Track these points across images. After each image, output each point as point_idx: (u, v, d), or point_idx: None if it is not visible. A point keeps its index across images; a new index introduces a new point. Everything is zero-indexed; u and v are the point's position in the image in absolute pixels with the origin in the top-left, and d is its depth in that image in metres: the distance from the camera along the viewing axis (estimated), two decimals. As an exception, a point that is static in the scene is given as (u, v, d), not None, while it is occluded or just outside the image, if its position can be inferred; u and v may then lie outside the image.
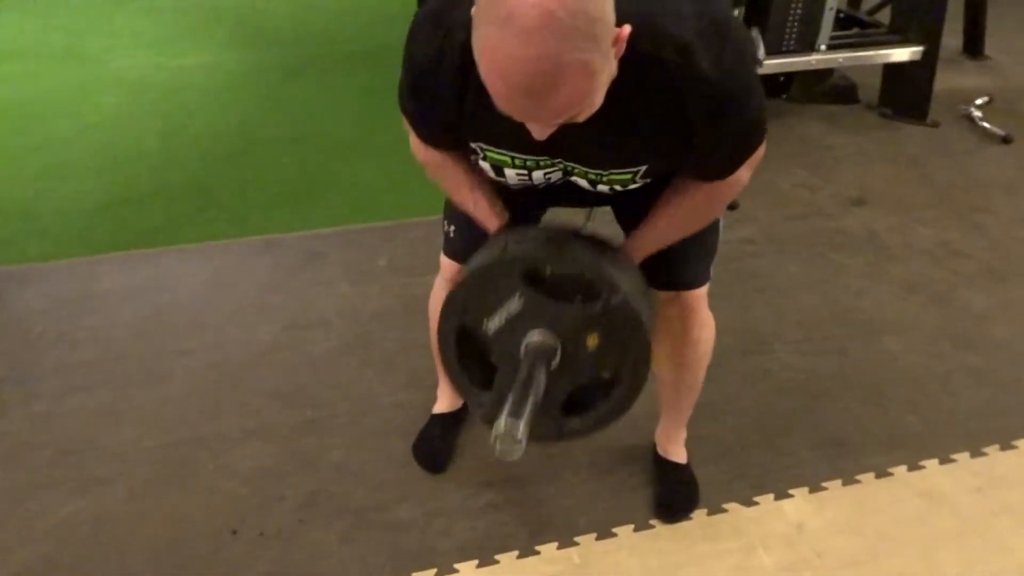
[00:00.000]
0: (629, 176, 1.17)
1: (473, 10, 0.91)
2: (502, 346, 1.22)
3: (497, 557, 1.56)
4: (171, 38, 4.15)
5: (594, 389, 1.25)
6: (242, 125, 3.24)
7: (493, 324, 1.21)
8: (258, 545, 1.58)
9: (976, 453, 1.80)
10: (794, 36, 3.15)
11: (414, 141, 1.28)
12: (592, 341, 1.19)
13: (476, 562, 1.55)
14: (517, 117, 0.95)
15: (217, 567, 1.54)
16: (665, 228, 1.26)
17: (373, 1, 4.80)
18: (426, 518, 1.64)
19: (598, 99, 0.95)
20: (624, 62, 0.96)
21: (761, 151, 1.18)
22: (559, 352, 1.19)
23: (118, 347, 2.06)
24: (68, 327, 2.12)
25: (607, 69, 0.92)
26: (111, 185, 2.78)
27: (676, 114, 1.04)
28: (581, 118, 0.96)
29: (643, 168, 1.15)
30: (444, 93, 1.09)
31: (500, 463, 1.70)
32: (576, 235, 1.26)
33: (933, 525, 1.63)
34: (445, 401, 1.82)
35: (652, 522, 1.63)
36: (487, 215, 1.30)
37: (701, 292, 1.43)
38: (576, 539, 1.59)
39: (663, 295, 1.40)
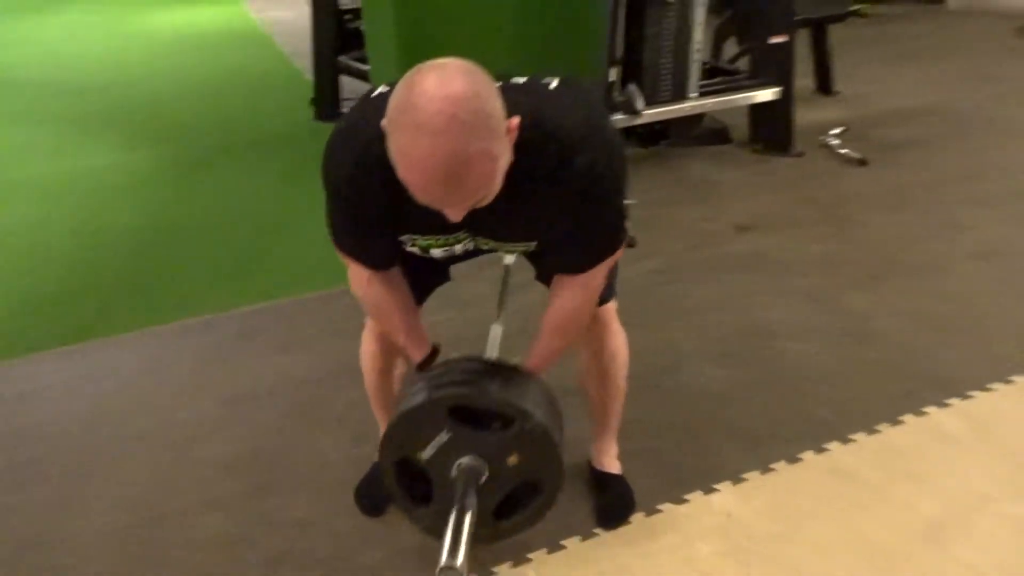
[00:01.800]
0: (524, 247, 1.38)
1: (383, 122, 1.08)
2: (437, 469, 1.43)
3: (461, 582, 1.66)
4: (70, 144, 4.18)
5: (520, 493, 1.47)
6: (158, 217, 3.30)
7: (427, 453, 1.43)
8: (233, 606, 1.64)
9: (871, 431, 2.02)
10: (668, 87, 3.48)
11: (357, 277, 1.45)
12: (513, 459, 1.42)
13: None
14: (435, 205, 1.11)
15: (194, 631, 1.59)
16: (549, 343, 1.47)
17: (257, 94, 4.95)
18: (389, 558, 1.73)
19: (499, 181, 1.13)
20: (517, 149, 1.14)
21: (618, 254, 1.39)
22: (486, 471, 1.41)
23: (66, 439, 2.09)
24: (10, 427, 2.14)
25: (504, 155, 1.11)
26: (31, 287, 2.80)
27: (553, 199, 1.24)
28: (487, 200, 1.14)
29: (534, 244, 1.36)
30: (371, 201, 1.26)
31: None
32: (487, 368, 1.47)
33: (844, 497, 1.83)
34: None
35: (596, 530, 1.77)
36: (414, 349, 1.50)
37: (611, 307, 1.64)
38: (529, 556, 1.71)
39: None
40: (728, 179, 3.48)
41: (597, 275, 1.40)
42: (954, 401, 2.11)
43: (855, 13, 5.95)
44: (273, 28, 6.54)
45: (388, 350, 1.68)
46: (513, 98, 1.12)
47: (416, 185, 1.08)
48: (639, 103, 3.38)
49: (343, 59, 4.18)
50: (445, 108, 1.01)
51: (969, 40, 5.59)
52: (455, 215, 1.14)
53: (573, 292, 1.41)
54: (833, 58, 4.53)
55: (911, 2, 6.79)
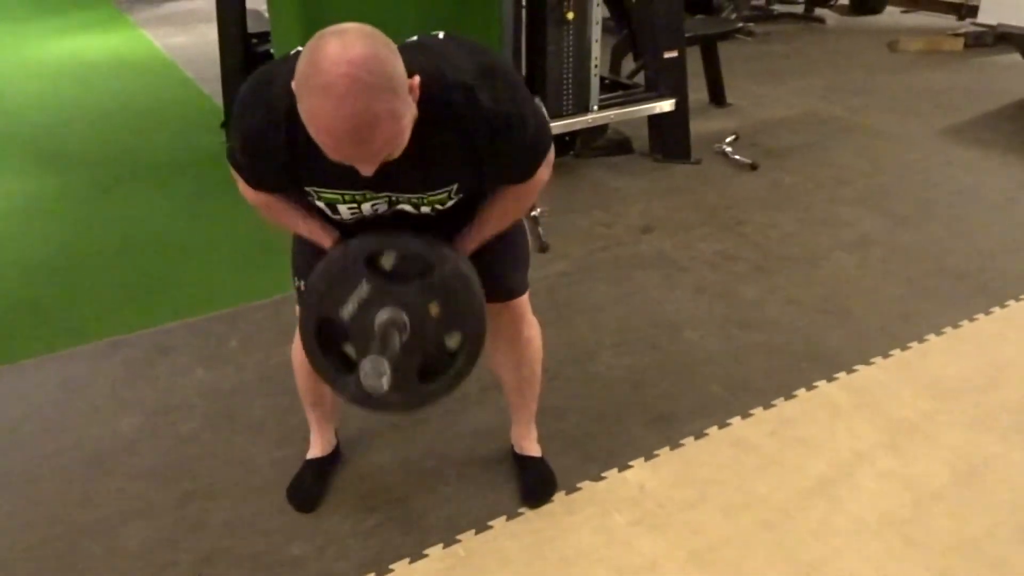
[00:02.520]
0: (445, 195, 1.41)
1: (293, 84, 1.14)
2: (358, 328, 1.40)
3: (391, 566, 1.72)
4: (-37, 174, 4.04)
5: (441, 359, 1.46)
6: (63, 244, 3.24)
7: (347, 311, 1.40)
8: (163, 606, 1.66)
9: (767, 406, 2.19)
10: (570, 101, 3.65)
11: (243, 187, 1.47)
12: (434, 309, 1.40)
13: (373, 574, 1.71)
14: (345, 161, 1.18)
15: (125, 634, 1.60)
16: (489, 220, 1.51)
17: (164, 117, 4.89)
18: (319, 549, 1.78)
19: (406, 137, 1.20)
20: (421, 105, 1.22)
21: (551, 154, 1.46)
22: (408, 324, 1.38)
23: (-25, 464, 2.05)
24: (-85, 455, 2.08)
25: (409, 112, 1.18)
26: (-70, 317, 2.72)
27: (465, 140, 1.31)
28: (396, 154, 1.21)
29: (454, 187, 1.40)
30: (274, 153, 1.30)
31: (379, 491, 1.91)
32: (404, 225, 1.46)
33: (744, 464, 1.99)
34: (318, 447, 1.98)
35: (521, 510, 1.87)
36: (321, 235, 1.50)
37: (524, 299, 1.74)
38: (458, 537, 1.79)
39: (495, 307, 1.68)
40: (630, 186, 3.67)
41: (542, 171, 1.44)
42: (841, 375, 2.31)
43: (743, 31, 6.34)
44: (176, 53, 6.46)
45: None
46: (410, 57, 1.19)
47: (327, 145, 1.14)
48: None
49: (251, 81, 4.19)
50: (348, 71, 1.08)
51: (846, 55, 6.01)
52: (366, 170, 1.20)
53: (517, 191, 1.46)
54: (724, 72, 4.81)
55: (796, 22, 7.25)
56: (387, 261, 1.41)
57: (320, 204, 1.42)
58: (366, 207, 1.42)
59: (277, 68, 1.30)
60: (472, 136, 1.31)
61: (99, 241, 3.26)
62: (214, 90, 4.73)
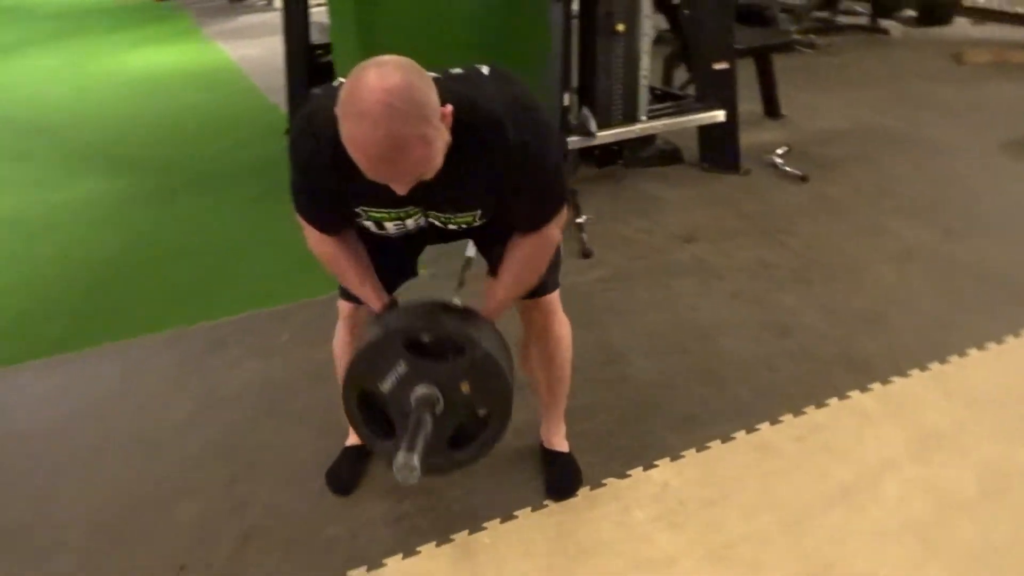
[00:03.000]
0: (470, 218, 1.54)
1: (336, 109, 1.26)
2: (396, 401, 1.56)
3: (418, 549, 1.81)
4: (46, 178, 4.30)
5: (473, 426, 1.61)
6: (131, 245, 3.43)
7: (386, 385, 1.55)
8: (207, 575, 1.78)
9: (798, 413, 2.21)
10: (619, 111, 3.71)
11: (312, 237, 1.61)
12: (465, 387, 1.55)
13: (400, 555, 1.80)
14: (381, 180, 1.30)
15: (170, 600, 1.72)
16: (507, 287, 1.63)
17: (231, 125, 5.12)
18: (352, 532, 1.88)
19: (438, 161, 1.32)
20: (454, 132, 1.33)
21: (564, 214, 1.56)
22: (441, 399, 1.54)
23: (42, 444, 2.21)
24: (-8, 431, 2.27)
25: (440, 138, 1.29)
26: (7, 311, 2.91)
27: (491, 170, 1.42)
28: (429, 175, 1.33)
29: (478, 212, 1.53)
30: (326, 177, 1.44)
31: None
32: (443, 307, 1.62)
33: (767, 467, 2.01)
34: (355, 435, 2.08)
35: (546, 502, 1.94)
36: (373, 298, 1.64)
37: (555, 296, 1.81)
38: (484, 525, 1.87)
39: (528, 303, 1.77)
40: (675, 195, 3.70)
41: (549, 231, 1.55)
42: (875, 385, 2.31)
43: (803, 43, 6.30)
44: (245, 64, 6.75)
45: (358, 338, 1.84)
46: (451, 86, 1.32)
47: (363, 164, 1.26)
48: (592, 126, 3.59)
49: (315, 91, 4.37)
50: (383, 98, 1.19)
51: (908, 67, 5.91)
52: (400, 189, 1.32)
53: (529, 246, 1.57)
54: (779, 84, 4.80)
55: (860, 33, 7.15)
56: (424, 341, 1.55)
57: (368, 223, 1.55)
58: (409, 222, 1.55)
59: (321, 102, 1.43)
60: (496, 167, 1.41)
61: (163, 241, 3.46)
62: (280, 100, 4.94)
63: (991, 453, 2.04)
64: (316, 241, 1.61)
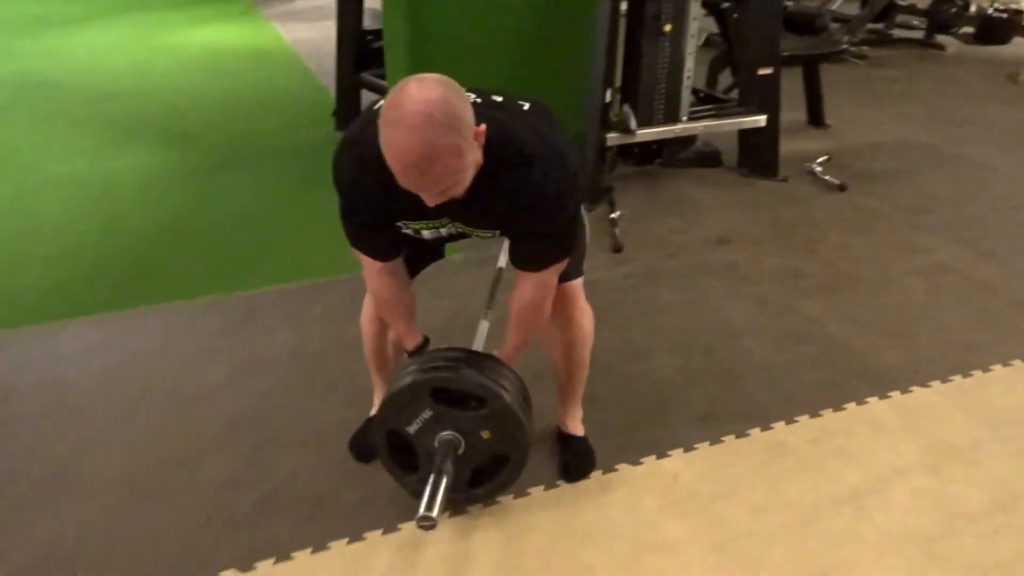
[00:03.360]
0: (489, 235, 1.66)
1: (379, 121, 1.35)
2: (421, 442, 1.73)
3: (432, 519, 1.88)
4: (99, 146, 4.46)
5: (491, 465, 1.78)
6: (178, 216, 3.56)
7: (413, 428, 1.73)
8: (229, 529, 1.86)
9: (814, 415, 2.24)
10: (660, 110, 3.74)
11: (368, 270, 1.73)
12: (486, 433, 1.71)
13: (415, 522, 1.85)
14: (413, 189, 1.38)
15: (195, 548, 1.81)
16: (516, 335, 1.77)
17: (281, 106, 5.25)
18: (371, 498, 1.95)
19: (467, 176, 1.40)
20: (485, 157, 1.42)
21: (563, 264, 1.66)
22: (462, 443, 1.71)
23: (85, 394, 2.33)
24: (36, 381, 2.38)
25: (471, 153, 1.38)
26: (59, 269, 3.05)
27: (511, 202, 1.51)
28: (458, 190, 1.41)
29: (497, 232, 1.63)
30: (371, 194, 1.53)
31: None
32: (468, 357, 1.74)
33: (779, 466, 2.05)
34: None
35: (559, 483, 1.99)
36: (409, 338, 1.82)
37: (578, 283, 1.87)
38: (497, 499, 1.93)
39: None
40: (711, 198, 3.72)
41: (549, 276, 1.66)
42: (894, 394, 2.32)
43: (853, 54, 6.25)
44: (300, 46, 6.89)
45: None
46: (488, 112, 1.43)
47: (396, 170, 1.35)
48: (633, 123, 3.63)
49: (364, 75, 4.48)
50: (421, 108, 1.28)
51: (960, 84, 5.83)
52: (430, 200, 1.41)
53: (530, 286, 1.68)
54: (827, 94, 4.78)
55: (914, 48, 7.06)
56: (448, 392, 1.70)
57: (408, 232, 1.66)
58: (443, 231, 1.67)
59: (362, 128, 1.52)
60: (517, 201, 1.50)
61: (207, 214, 3.58)
62: (332, 83, 5.05)
63: (1003, 470, 2.04)
64: (373, 275, 1.73)
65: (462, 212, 1.56)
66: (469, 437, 1.71)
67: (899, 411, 2.26)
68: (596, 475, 2.02)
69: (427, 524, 1.59)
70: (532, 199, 1.50)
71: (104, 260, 3.13)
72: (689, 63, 3.72)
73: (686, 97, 3.77)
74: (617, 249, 3.17)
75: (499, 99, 1.55)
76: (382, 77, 4.23)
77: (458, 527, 1.87)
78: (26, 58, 6.51)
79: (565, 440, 2.09)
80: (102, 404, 2.29)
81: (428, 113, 1.28)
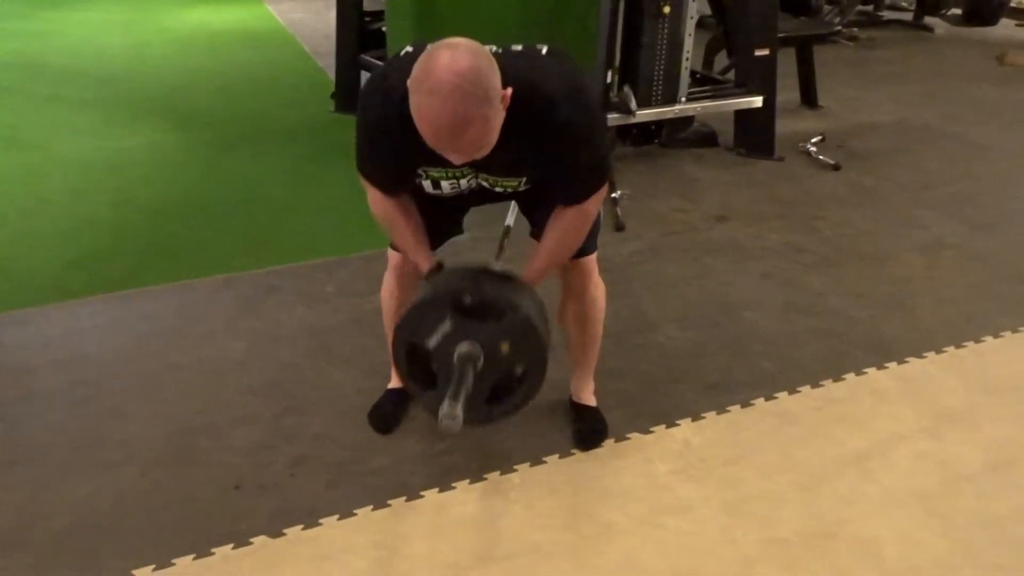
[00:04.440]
0: (516, 183, 1.70)
1: (408, 82, 1.39)
2: (440, 357, 1.70)
3: (453, 484, 1.96)
4: (107, 126, 4.49)
5: (510, 383, 1.74)
6: (188, 194, 3.61)
7: (432, 341, 1.69)
8: (259, 495, 1.93)
9: (816, 385, 2.32)
10: (659, 91, 3.80)
11: (373, 196, 1.75)
12: (505, 347, 1.68)
13: (437, 489, 1.94)
14: (441, 152, 1.44)
15: (226, 513, 1.88)
16: (547, 256, 1.76)
17: (280, 87, 5.27)
18: (394, 465, 2.02)
19: (494, 138, 1.45)
20: (511, 107, 1.46)
21: (604, 191, 1.70)
22: (481, 357, 1.67)
23: (111, 367, 2.39)
24: (62, 356, 2.43)
25: (498, 118, 1.43)
26: (74, 247, 3.09)
27: (540, 144, 1.57)
28: (484, 152, 1.46)
29: (523, 179, 1.68)
30: (394, 137, 1.56)
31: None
32: (487, 272, 1.74)
33: (785, 433, 2.14)
34: (398, 379, 2.23)
35: (573, 451, 2.07)
36: (423, 260, 1.78)
37: (592, 259, 1.94)
38: (515, 467, 2.01)
39: (567, 265, 1.90)
40: (711, 177, 3.80)
41: (591, 204, 1.69)
42: (891, 365, 2.42)
43: (845, 36, 6.32)
44: (295, 28, 6.89)
45: (404, 286, 1.98)
46: (510, 62, 1.46)
47: (427, 136, 1.40)
48: (633, 104, 3.69)
49: (364, 57, 4.51)
50: (452, 79, 1.33)
51: (950, 64, 5.93)
52: (456, 160, 1.46)
53: (569, 219, 1.70)
54: (819, 75, 4.86)
55: (903, 29, 7.14)
56: (468, 303, 1.68)
57: (426, 183, 1.70)
58: (463, 182, 1.70)
59: (391, 67, 1.57)
60: (544, 143, 1.55)
61: (217, 192, 3.62)
62: (328, 64, 5.08)
63: (1000, 433, 2.14)
64: (377, 200, 1.75)
65: (488, 163, 1.58)
66: (488, 350, 1.66)
67: (898, 380, 2.35)
68: (609, 443, 2.10)
69: (450, 422, 1.52)
70: (563, 138, 1.54)
71: (119, 238, 3.17)
72: (688, 44, 3.78)
73: (684, 78, 3.84)
74: (619, 228, 3.24)
75: (519, 48, 1.59)
76: (381, 59, 4.27)
77: (478, 492, 1.94)
78: (21, 38, 6.48)
79: (578, 410, 2.16)
80: (129, 377, 2.35)
81: (458, 84, 1.32)
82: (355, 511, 1.89)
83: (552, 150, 1.57)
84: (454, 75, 1.33)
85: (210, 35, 6.70)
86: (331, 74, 4.83)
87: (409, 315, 1.71)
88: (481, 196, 1.81)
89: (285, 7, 7.77)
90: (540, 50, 1.60)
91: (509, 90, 1.43)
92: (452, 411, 1.53)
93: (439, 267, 1.79)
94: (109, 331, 2.57)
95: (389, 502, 1.91)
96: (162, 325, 2.61)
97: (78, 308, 2.69)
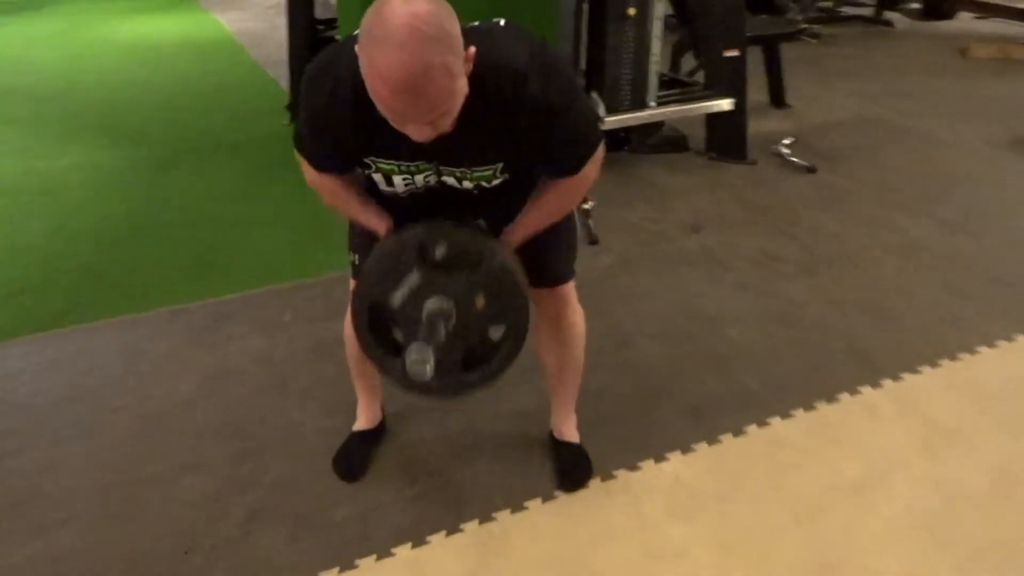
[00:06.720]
0: (490, 172, 1.45)
1: (356, 47, 1.20)
2: (406, 318, 1.47)
3: (428, 538, 1.79)
4: (36, 144, 4.21)
5: (485, 349, 1.52)
6: (128, 215, 3.38)
7: (397, 298, 1.46)
8: (212, 557, 1.75)
9: (808, 408, 2.19)
10: (627, 96, 3.67)
11: (309, 173, 1.55)
12: (480, 302, 1.46)
13: (410, 544, 1.77)
14: (399, 120, 1.23)
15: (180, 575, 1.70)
16: (535, 214, 1.56)
17: (229, 99, 5.04)
18: (361, 515, 1.85)
19: (457, 102, 1.24)
20: (473, 82, 1.26)
21: (600, 152, 1.50)
22: (454, 314, 1.44)
23: (44, 413, 2.18)
24: (-10, 403, 2.22)
25: (462, 76, 1.22)
26: (0, 280, 2.85)
27: (508, 124, 1.36)
28: (446, 121, 1.25)
29: (499, 165, 1.45)
30: (340, 123, 1.36)
31: (421, 464, 1.98)
32: (458, 222, 1.52)
33: (779, 461, 2.01)
34: (364, 419, 2.05)
35: (556, 493, 1.91)
36: (375, 221, 1.56)
37: (570, 286, 1.78)
38: (494, 515, 1.85)
39: (543, 292, 1.74)
40: (682, 183, 3.68)
41: (588, 169, 1.49)
42: (886, 382, 2.30)
43: (808, 33, 6.26)
44: (242, 37, 6.65)
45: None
46: (468, 39, 1.25)
47: (381, 95, 1.18)
48: (600, 110, 3.55)
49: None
50: (408, 22, 1.13)
51: (911, 59, 5.90)
52: (418, 135, 1.24)
53: (566, 185, 1.51)
54: (786, 74, 4.77)
55: (864, 25, 7.13)
56: (437, 252, 1.46)
57: (377, 177, 1.48)
58: (419, 178, 1.48)
59: (341, 46, 1.36)
60: (515, 121, 1.35)
61: (162, 214, 3.40)
62: (279, 74, 4.87)
63: (1000, 449, 2.04)
64: (314, 177, 1.55)
65: (455, 152, 1.40)
66: (462, 306, 1.45)
67: (892, 398, 2.23)
68: (595, 482, 1.94)
69: (420, 367, 1.33)
70: (540, 113, 1.34)
71: (51, 268, 2.94)
72: (655, 47, 3.66)
73: (653, 82, 3.71)
74: (593, 241, 3.10)
75: (475, 25, 1.39)
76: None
77: (455, 546, 1.77)
78: (-51, 53, 6.16)
79: (560, 447, 2.01)
80: (67, 425, 2.14)
81: (415, 27, 1.13)
82: (319, 574, 1.71)
83: (530, 127, 1.36)
84: (411, 17, 1.13)
85: (150, 46, 6.42)
86: (284, 85, 4.62)
87: (370, 268, 1.48)
88: (445, 199, 1.56)
89: (234, 16, 7.52)
90: (497, 23, 1.40)
91: (472, 49, 1.24)
92: (422, 355, 1.33)
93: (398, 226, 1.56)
94: (41, 373, 2.36)
95: (357, 562, 1.74)
96: (101, 364, 2.40)
97: (5, 349, 2.47)
